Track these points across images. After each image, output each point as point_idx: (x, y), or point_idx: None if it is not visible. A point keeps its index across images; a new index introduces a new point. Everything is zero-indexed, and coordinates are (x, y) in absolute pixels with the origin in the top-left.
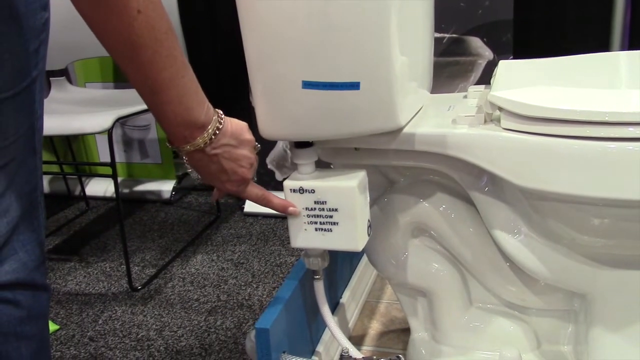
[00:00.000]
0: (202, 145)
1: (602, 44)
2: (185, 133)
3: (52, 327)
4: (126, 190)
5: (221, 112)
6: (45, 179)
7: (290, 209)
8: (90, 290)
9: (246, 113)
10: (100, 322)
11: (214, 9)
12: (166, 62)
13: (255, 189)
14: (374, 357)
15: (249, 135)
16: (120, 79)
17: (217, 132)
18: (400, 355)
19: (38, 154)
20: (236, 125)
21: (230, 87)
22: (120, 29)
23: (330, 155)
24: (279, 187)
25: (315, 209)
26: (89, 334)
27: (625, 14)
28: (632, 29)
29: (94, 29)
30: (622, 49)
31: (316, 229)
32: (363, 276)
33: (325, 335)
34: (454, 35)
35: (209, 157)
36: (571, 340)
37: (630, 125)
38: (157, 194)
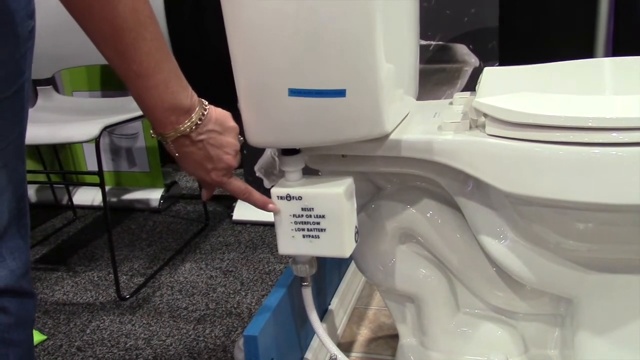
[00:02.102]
0: (188, 131)
1: (586, 51)
2: (172, 118)
3: (40, 337)
4: (114, 199)
5: (205, 101)
6: (32, 188)
7: (270, 206)
8: (78, 299)
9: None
10: (88, 331)
11: (201, 15)
12: (151, 45)
13: (238, 181)
14: None
15: (233, 123)
16: (107, 87)
17: (203, 117)
18: None
19: (25, 161)
20: (220, 112)
21: (217, 93)
22: (104, 13)
23: (317, 162)
24: (267, 194)
25: (302, 215)
26: (76, 344)
27: (609, 22)
28: (615, 36)
29: (78, 15)
30: (606, 55)
31: (304, 236)
32: (351, 283)
33: (314, 342)
34: (441, 43)
35: (195, 143)
36: (558, 344)
37: (613, 130)
38: (145, 202)
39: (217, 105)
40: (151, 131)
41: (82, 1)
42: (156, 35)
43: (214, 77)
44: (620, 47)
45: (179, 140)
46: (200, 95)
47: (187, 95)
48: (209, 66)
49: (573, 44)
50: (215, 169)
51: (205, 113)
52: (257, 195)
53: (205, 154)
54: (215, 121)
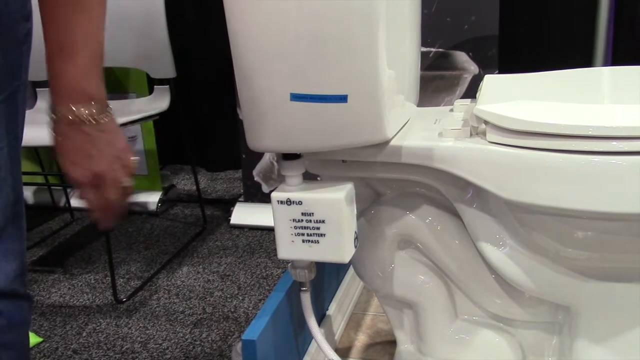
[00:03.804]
0: (85, 119)
1: (585, 60)
2: (74, 98)
3: (36, 339)
4: None
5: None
6: (30, 190)
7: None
8: (75, 302)
9: (234, 125)
10: (84, 334)
11: (203, 19)
12: (84, 21)
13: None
14: None
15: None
16: (106, 89)
17: (104, 117)
18: None
19: (20, 164)
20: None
21: (218, 98)
22: None
23: (317, 167)
24: (265, 199)
25: (302, 220)
26: (72, 346)
27: (608, 31)
28: (614, 45)
29: None
30: (605, 64)
31: (303, 241)
32: (349, 288)
33: (312, 347)
34: (441, 50)
35: (84, 134)
36: (556, 352)
37: (613, 139)
38: (143, 205)
39: (218, 111)
40: (50, 111)
41: None
42: (94, 13)
43: (215, 82)
44: (619, 56)
45: (71, 125)
46: (201, 98)
47: (97, 86)
48: (211, 70)
49: (572, 52)
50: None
51: (107, 119)
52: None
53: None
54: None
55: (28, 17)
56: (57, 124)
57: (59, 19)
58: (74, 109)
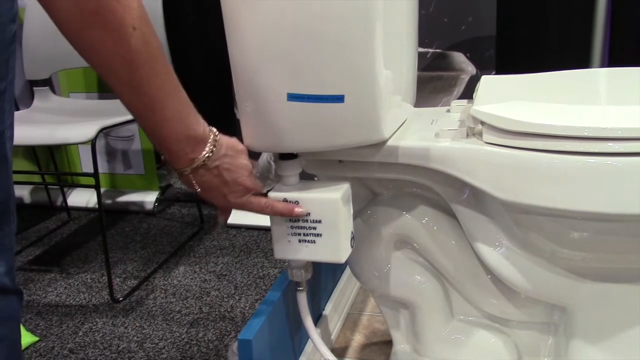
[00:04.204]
0: (206, 159)
1: (582, 61)
2: (187, 149)
3: (31, 338)
4: (109, 201)
5: (213, 128)
6: (27, 189)
7: (297, 210)
8: (71, 301)
9: (231, 124)
10: (80, 334)
11: (200, 19)
12: (164, 78)
13: (257, 198)
14: None
15: (242, 146)
16: (104, 89)
17: (216, 143)
18: None
19: (9, 162)
20: (228, 138)
21: (215, 97)
22: (117, 48)
23: (314, 167)
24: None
25: (299, 220)
26: (69, 346)
27: (605, 32)
28: (611, 47)
29: (87, 51)
30: (602, 65)
31: (300, 241)
32: (346, 288)
33: (308, 347)
34: (438, 50)
35: (210, 170)
36: (551, 353)
37: (609, 140)
38: (140, 205)
39: (215, 111)
40: (172, 167)
41: (93, 38)
42: (167, 67)
43: (212, 82)
44: (616, 57)
45: (197, 171)
46: (199, 98)
47: (200, 124)
48: (208, 70)
49: (569, 53)
50: (232, 192)
51: (218, 139)
52: (280, 206)
53: (221, 180)
54: (227, 146)
55: (14, 19)
56: (185, 177)
57: (139, 83)
58: (193, 159)
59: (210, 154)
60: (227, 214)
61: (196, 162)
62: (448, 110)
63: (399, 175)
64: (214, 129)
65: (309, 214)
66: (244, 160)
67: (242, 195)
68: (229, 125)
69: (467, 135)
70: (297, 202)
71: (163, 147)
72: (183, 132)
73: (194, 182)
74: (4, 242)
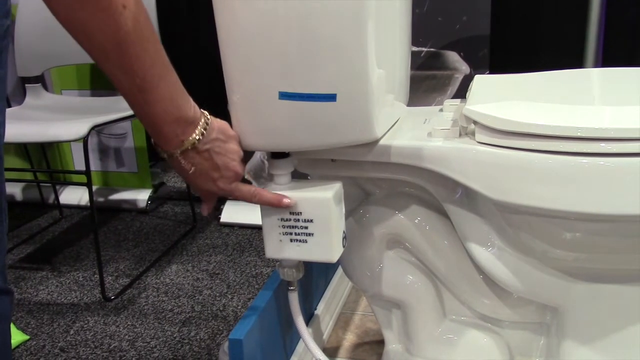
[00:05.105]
0: (196, 142)
1: (576, 61)
2: (178, 131)
3: (22, 337)
4: (101, 199)
5: (204, 111)
6: (19, 187)
7: (285, 200)
8: (62, 300)
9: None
10: (71, 332)
11: (193, 17)
12: (154, 58)
13: (245, 186)
14: None
15: (233, 131)
16: (96, 86)
17: (207, 126)
18: None
19: (2, 160)
20: (220, 122)
21: (207, 96)
22: (106, 27)
23: (307, 166)
24: None
25: (290, 219)
26: (60, 344)
27: (599, 32)
28: (605, 47)
29: (78, 31)
30: (596, 66)
31: (291, 240)
32: (338, 288)
33: (300, 347)
34: (432, 50)
35: (201, 153)
36: (543, 353)
37: (602, 140)
38: (133, 203)
39: (208, 106)
40: (158, 150)
41: (84, 16)
42: (158, 47)
43: (204, 80)
44: (609, 57)
45: (186, 154)
46: (191, 96)
47: (190, 106)
48: (200, 68)
49: (563, 53)
50: (222, 177)
51: (209, 121)
52: (268, 194)
53: (211, 164)
54: (218, 129)
55: (7, 14)
56: (174, 159)
57: (129, 63)
58: (183, 141)
59: (201, 137)
60: (212, 203)
61: (186, 143)
62: (441, 110)
63: (391, 174)
64: (206, 112)
65: (301, 213)
66: (235, 146)
67: (231, 182)
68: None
69: (460, 135)
70: None
71: (153, 128)
72: (174, 113)
73: (183, 163)
74: None
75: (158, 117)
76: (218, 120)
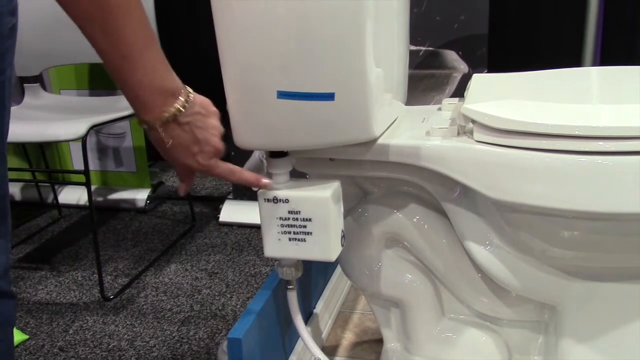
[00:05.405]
0: (177, 113)
1: (574, 60)
2: (159, 101)
3: (21, 336)
4: (100, 199)
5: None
6: (17, 187)
7: (264, 180)
8: (61, 299)
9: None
10: (70, 332)
11: (191, 16)
12: (139, 27)
13: (225, 163)
14: None
15: (214, 108)
16: (95, 86)
17: (189, 99)
18: None
19: (6, 160)
20: (202, 97)
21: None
22: None
23: (305, 165)
24: (254, 196)
25: (289, 218)
26: (59, 344)
27: (597, 31)
28: (603, 45)
29: None
30: (594, 64)
31: (290, 239)
32: (337, 287)
33: (298, 346)
34: (430, 49)
35: (182, 126)
36: (541, 351)
37: (600, 139)
38: (132, 202)
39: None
40: (138, 121)
41: None
42: (142, 15)
43: (203, 79)
44: (608, 56)
45: (166, 125)
46: None
47: (173, 78)
48: (199, 67)
49: (561, 52)
50: (202, 151)
51: (191, 95)
52: (247, 173)
53: (192, 137)
54: (200, 104)
55: (14, 12)
56: (154, 130)
57: (114, 29)
58: (164, 111)
59: (182, 109)
60: (190, 181)
61: (167, 114)
62: (439, 109)
63: (389, 173)
64: (189, 87)
65: (300, 212)
66: (216, 122)
67: (211, 157)
68: (221, 122)
69: (458, 134)
70: (287, 201)
71: (134, 97)
72: (157, 83)
73: (163, 135)
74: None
75: (140, 86)
76: (200, 96)
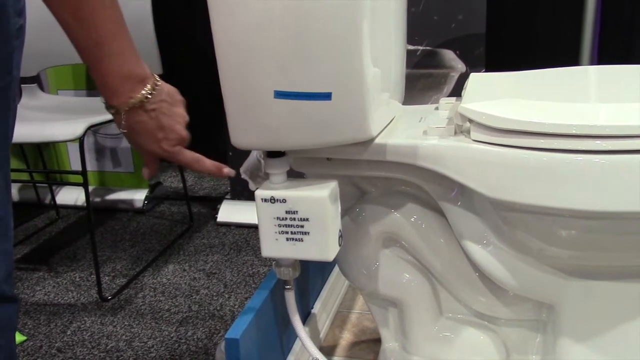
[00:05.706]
0: (144, 100)
1: (572, 59)
2: (127, 86)
3: (19, 337)
4: (98, 199)
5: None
6: (15, 187)
7: (225, 170)
8: (59, 300)
9: (220, 122)
10: (68, 332)
11: (188, 16)
12: (110, 13)
13: (189, 151)
14: None
15: (181, 96)
16: (92, 86)
17: (156, 87)
18: None
19: (9, 163)
20: (169, 86)
21: (205, 96)
22: None
23: (302, 165)
24: (252, 197)
25: (286, 218)
26: (57, 345)
27: (594, 30)
28: (601, 45)
29: None
30: (591, 63)
31: (287, 239)
32: (334, 286)
33: (296, 346)
34: (428, 48)
35: (148, 112)
36: (539, 350)
37: (597, 138)
38: (129, 202)
39: (204, 106)
40: (105, 104)
41: None
42: (114, 3)
43: (202, 79)
44: (605, 55)
45: (133, 111)
46: (188, 96)
47: (142, 65)
48: (198, 67)
49: (559, 51)
50: (167, 138)
51: (159, 83)
52: (208, 162)
53: (157, 124)
54: (167, 92)
55: (21, 12)
56: (120, 115)
57: (86, 15)
58: (132, 97)
59: (149, 96)
60: (154, 166)
61: (134, 100)
62: (437, 108)
63: (387, 173)
64: (157, 76)
65: (297, 212)
66: (182, 110)
67: (175, 145)
68: (218, 122)
69: (455, 133)
70: (284, 200)
71: (103, 82)
72: (125, 69)
73: (125, 119)
74: (3, 246)
75: (109, 72)
76: (168, 84)
